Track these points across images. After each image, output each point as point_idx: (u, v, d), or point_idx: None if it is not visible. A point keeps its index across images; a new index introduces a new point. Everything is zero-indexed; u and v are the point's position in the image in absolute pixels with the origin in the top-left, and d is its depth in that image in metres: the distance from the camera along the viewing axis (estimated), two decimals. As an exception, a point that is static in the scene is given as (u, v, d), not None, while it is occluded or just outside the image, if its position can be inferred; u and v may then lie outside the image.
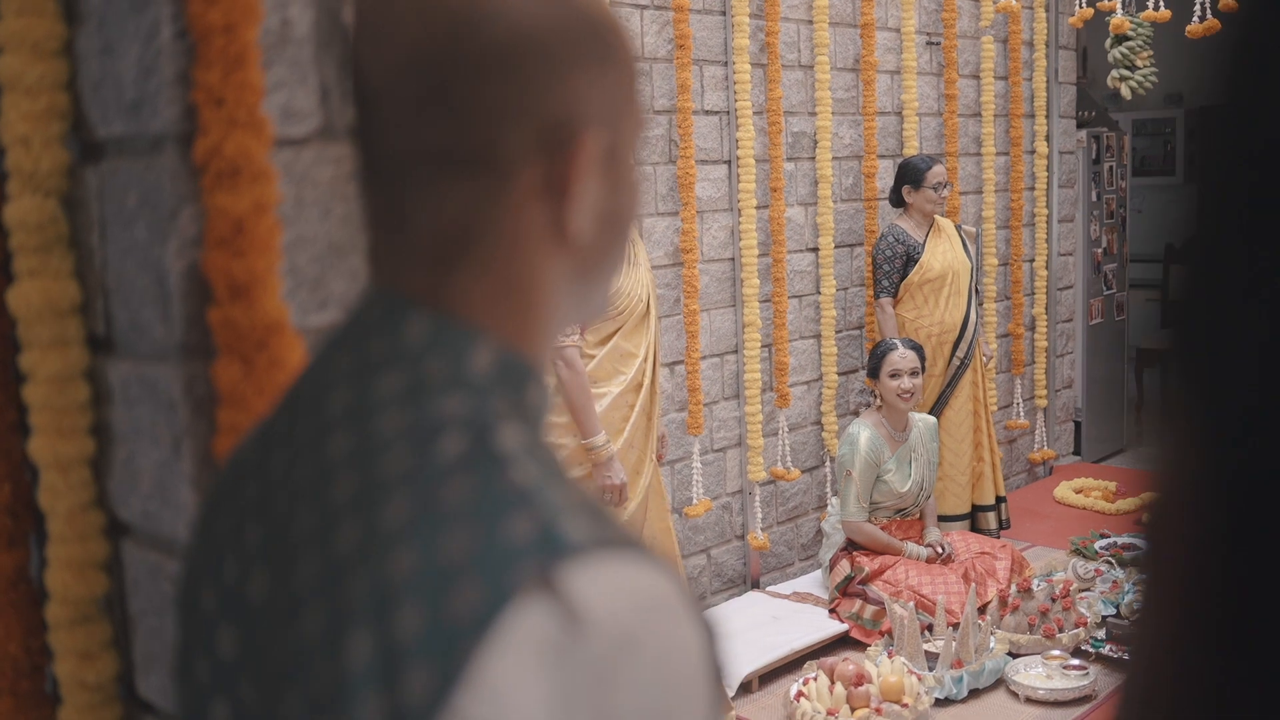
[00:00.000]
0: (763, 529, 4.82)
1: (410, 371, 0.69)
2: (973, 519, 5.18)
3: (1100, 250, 6.81)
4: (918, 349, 4.56)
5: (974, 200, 5.91)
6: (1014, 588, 4.29)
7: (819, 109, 4.94)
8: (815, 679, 3.75)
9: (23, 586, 1.24)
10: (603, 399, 3.46)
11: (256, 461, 0.75)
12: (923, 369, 4.57)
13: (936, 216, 5.05)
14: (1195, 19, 4.90)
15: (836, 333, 5.14)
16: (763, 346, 4.78)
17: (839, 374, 5.18)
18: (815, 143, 5.00)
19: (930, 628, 4.11)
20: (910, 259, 4.96)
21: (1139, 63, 5.89)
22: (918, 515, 4.67)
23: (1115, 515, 5.64)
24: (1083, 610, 4.21)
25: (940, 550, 4.53)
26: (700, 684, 0.62)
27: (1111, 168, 6.90)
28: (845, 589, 4.43)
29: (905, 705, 3.63)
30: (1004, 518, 5.32)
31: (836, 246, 5.13)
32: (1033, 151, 6.23)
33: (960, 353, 5.07)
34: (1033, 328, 6.30)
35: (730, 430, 4.77)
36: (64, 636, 1.17)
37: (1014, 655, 4.01)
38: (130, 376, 1.12)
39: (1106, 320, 6.93)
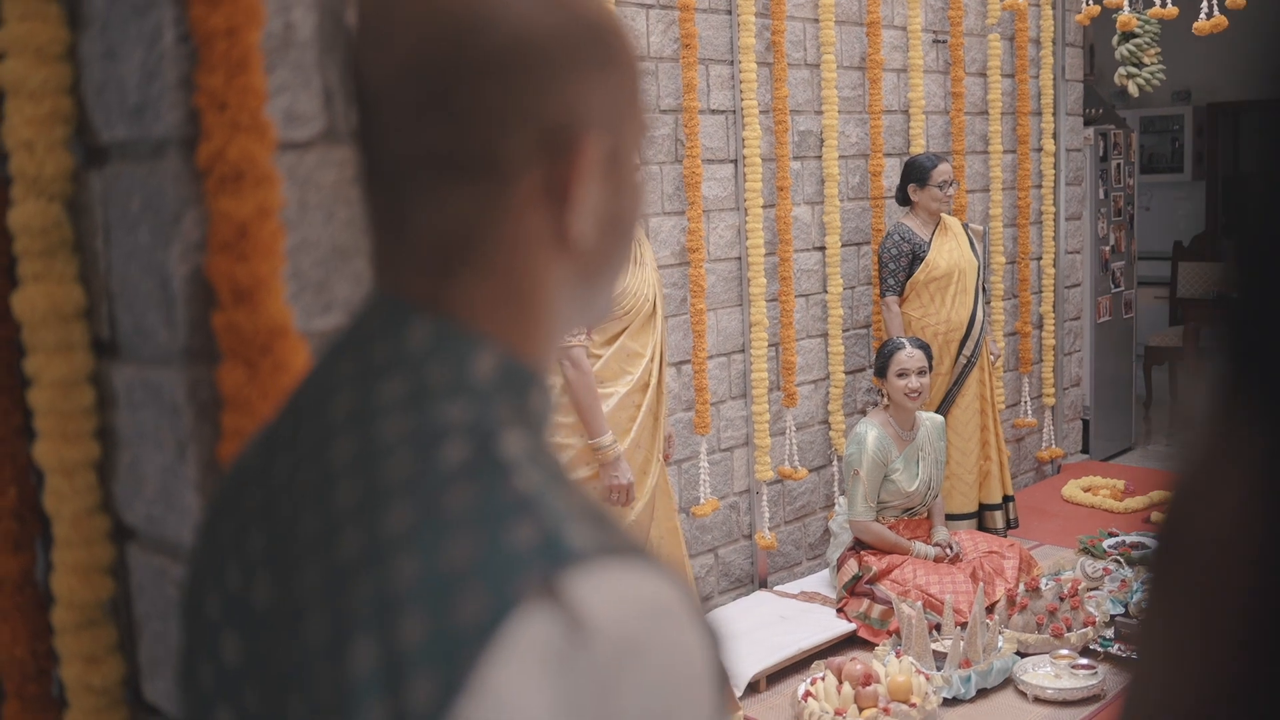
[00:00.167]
0: (770, 528, 4.81)
1: (413, 377, 0.69)
2: (980, 518, 5.17)
3: (1108, 248, 6.80)
4: (925, 348, 4.55)
5: (981, 198, 5.90)
6: (1022, 587, 4.28)
7: (825, 107, 4.93)
8: (823, 679, 3.75)
9: (29, 590, 1.24)
10: (609, 399, 3.46)
11: (260, 467, 0.75)
12: (930, 368, 4.56)
13: (943, 215, 5.04)
14: (1202, 15, 4.88)
15: (843, 331, 5.14)
16: (770, 346, 4.78)
17: (846, 373, 5.17)
18: (821, 141, 4.99)
19: (938, 627, 4.11)
20: (916, 257, 4.95)
21: (1146, 60, 5.87)
22: (925, 514, 4.67)
23: (1124, 514, 5.63)
24: (1091, 609, 4.21)
25: (948, 549, 4.52)
26: (704, 691, 0.62)
27: (1119, 165, 6.88)
28: (853, 588, 4.43)
29: (913, 705, 3.62)
30: (1012, 517, 5.30)
31: (843, 245, 5.12)
32: (1040, 149, 6.21)
33: (967, 351, 5.06)
34: (1040, 326, 6.28)
35: (737, 430, 4.77)
36: (70, 640, 1.18)
37: (1022, 655, 4.00)
38: (135, 381, 1.12)
39: (1114, 318, 6.91)
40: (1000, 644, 3.98)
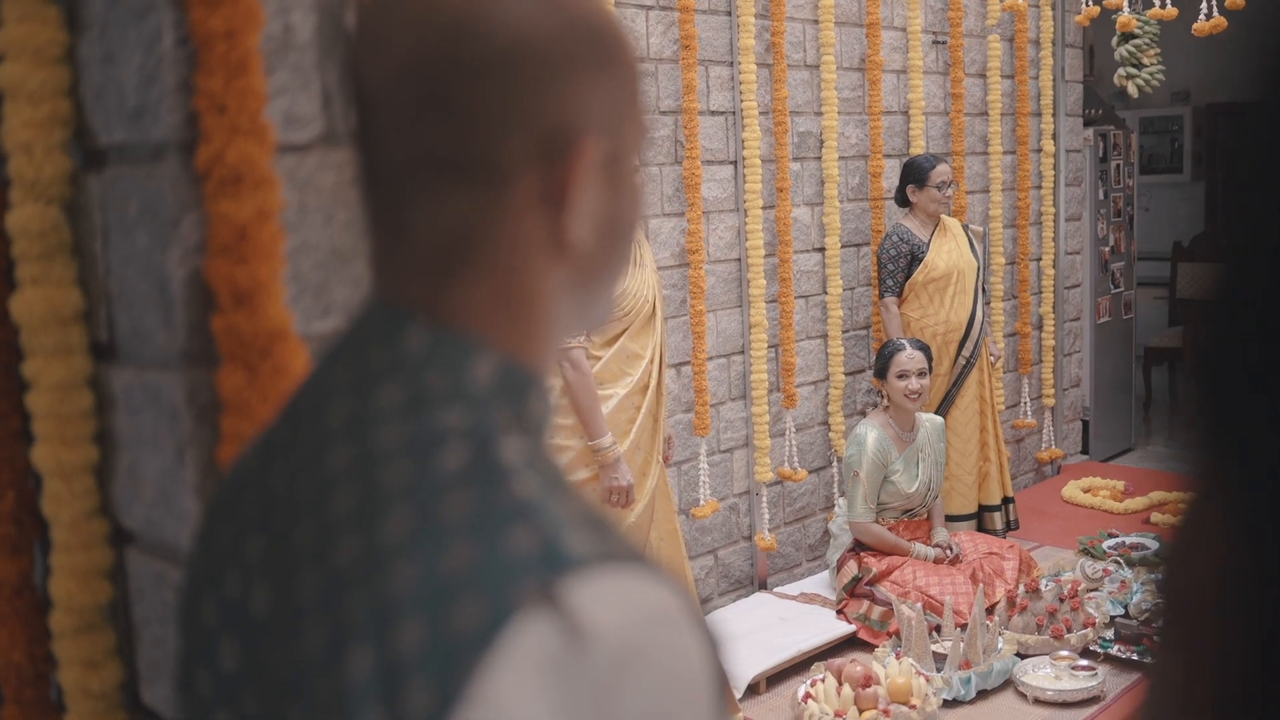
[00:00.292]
0: (770, 530, 4.81)
1: (410, 383, 0.69)
2: (979, 519, 5.17)
3: (1108, 248, 6.80)
4: (925, 349, 4.55)
5: (981, 199, 5.90)
6: (1022, 588, 4.28)
7: (825, 109, 4.93)
8: (823, 680, 3.74)
9: (27, 594, 1.23)
10: (609, 401, 3.45)
11: (257, 473, 0.75)
12: (930, 369, 4.56)
13: (943, 216, 5.03)
14: (1202, 16, 4.88)
15: (843, 333, 5.13)
16: (769, 347, 4.77)
17: (846, 374, 5.17)
18: (821, 142, 4.99)
19: (938, 628, 4.10)
20: (915, 258, 4.95)
21: (1146, 60, 5.87)
22: (925, 515, 4.66)
23: (1123, 515, 5.63)
24: (1091, 610, 4.20)
25: (948, 551, 4.52)
26: (703, 698, 0.62)
27: (1119, 166, 6.88)
28: (853, 590, 4.42)
29: (913, 706, 3.62)
30: (1011, 518, 5.30)
31: (843, 246, 5.12)
32: (1040, 150, 6.21)
33: (966, 352, 5.06)
34: (1040, 326, 6.28)
35: (737, 431, 4.77)
36: (68, 644, 1.17)
37: (1022, 656, 4.00)
38: (133, 384, 1.12)
39: (1114, 319, 6.91)
40: (1000, 645, 3.98)
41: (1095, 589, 4.45)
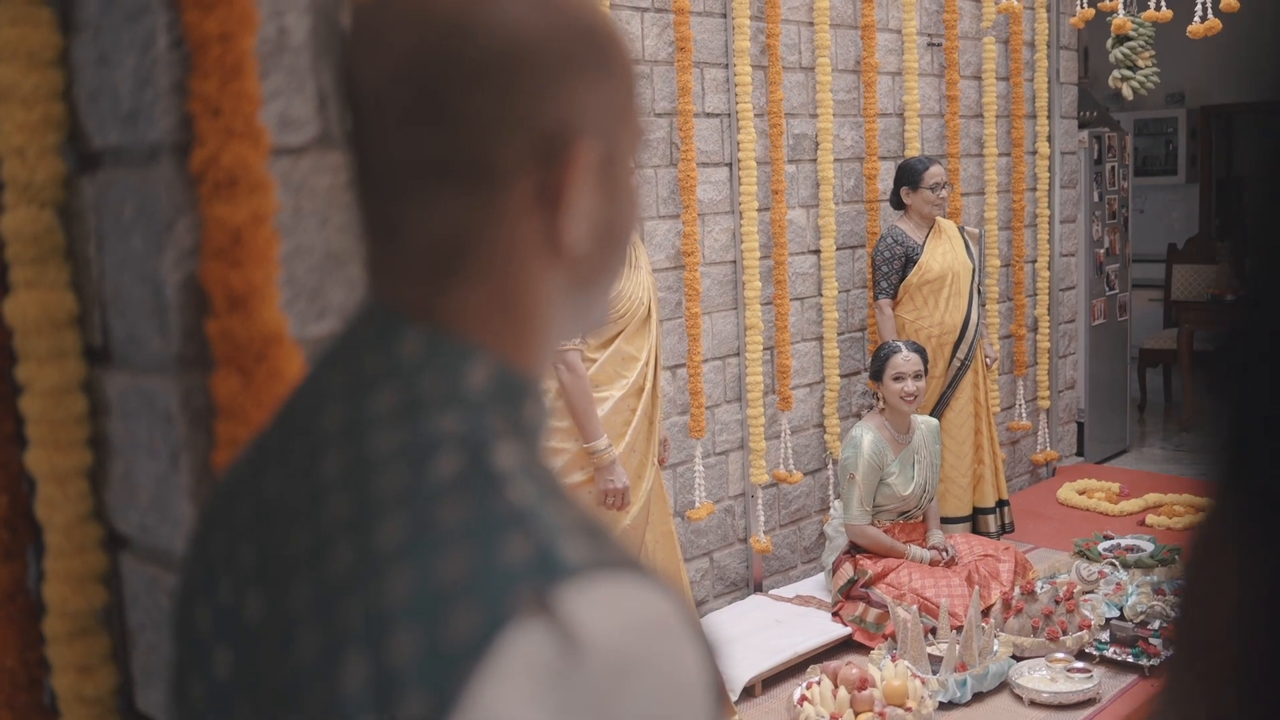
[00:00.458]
0: (765, 532, 4.81)
1: (405, 389, 0.68)
2: (973, 522, 5.17)
3: (1102, 251, 6.80)
4: (921, 351, 4.55)
5: (976, 201, 5.90)
6: (1017, 590, 4.27)
7: (820, 111, 4.93)
8: (818, 683, 3.74)
9: (20, 599, 1.23)
10: (604, 403, 3.45)
11: (251, 479, 0.74)
12: (925, 371, 4.56)
13: (938, 218, 5.04)
14: (1197, 19, 4.89)
15: (839, 335, 5.13)
16: (765, 349, 4.77)
17: (841, 376, 5.17)
18: (817, 145, 4.99)
19: (934, 631, 4.10)
20: (909, 260, 4.95)
21: (1140, 63, 5.89)
22: (920, 518, 4.66)
23: (1119, 516, 5.63)
24: (1086, 613, 4.20)
25: (943, 553, 4.52)
26: (701, 707, 0.61)
27: (1113, 168, 6.89)
28: (848, 592, 4.42)
29: (909, 709, 3.62)
30: (1006, 521, 5.30)
31: (838, 249, 5.12)
32: (1034, 152, 6.22)
33: (961, 354, 5.06)
34: (1035, 329, 6.29)
35: (732, 433, 4.76)
36: (62, 650, 1.17)
37: (1018, 658, 4.00)
38: (128, 388, 1.11)
39: (1109, 321, 6.92)
40: (996, 647, 3.98)
41: (1091, 591, 4.45)
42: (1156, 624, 4.13)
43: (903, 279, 4.96)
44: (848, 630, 4.32)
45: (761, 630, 4.31)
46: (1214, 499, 0.41)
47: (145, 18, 1.02)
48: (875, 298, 5.03)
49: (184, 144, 1.02)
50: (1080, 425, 6.80)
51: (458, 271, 0.71)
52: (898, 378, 4.46)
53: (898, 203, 5.04)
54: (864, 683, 3.67)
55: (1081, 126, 6.69)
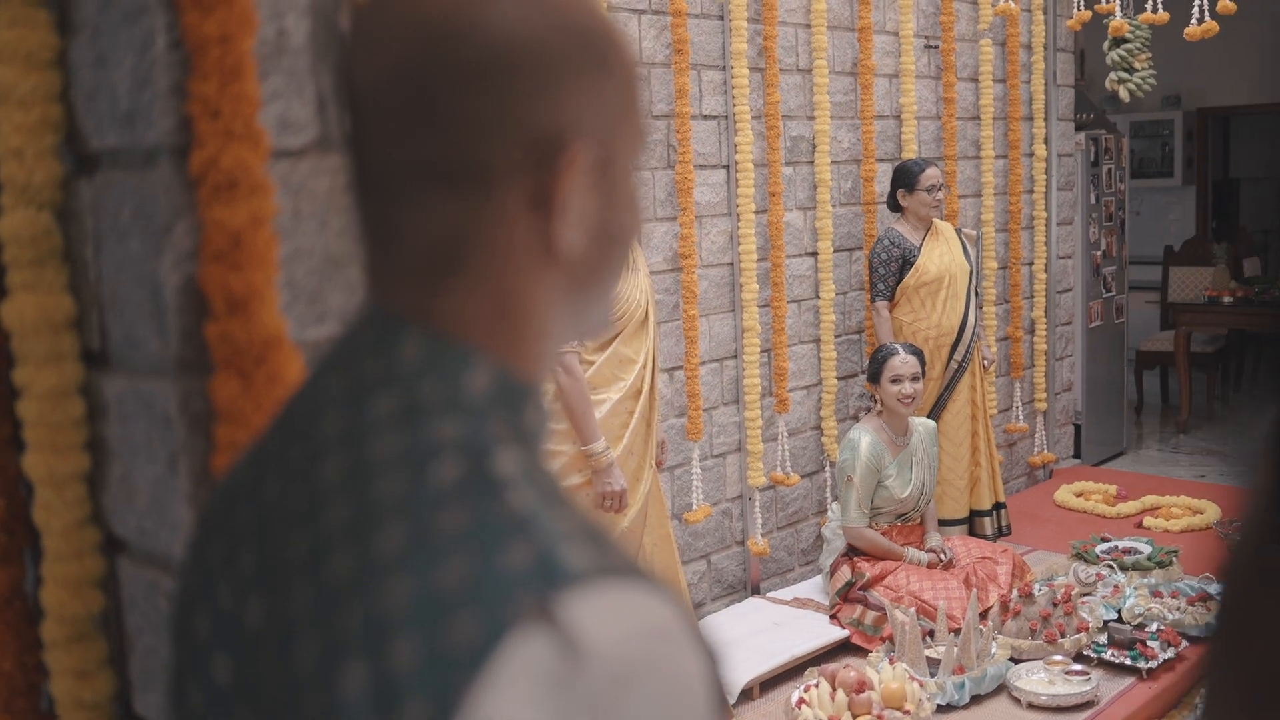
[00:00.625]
0: (763, 534, 4.81)
1: (405, 394, 0.68)
2: (969, 524, 5.17)
3: (1099, 253, 6.81)
4: (918, 354, 4.55)
5: (973, 203, 5.91)
6: (1015, 593, 4.27)
7: (817, 113, 4.93)
8: (816, 686, 3.74)
9: (18, 604, 1.22)
10: (602, 405, 3.44)
11: (249, 485, 0.74)
12: (923, 373, 4.56)
13: (935, 220, 5.04)
14: (1193, 21, 4.89)
15: (836, 337, 5.13)
16: (762, 351, 4.77)
17: (838, 378, 5.16)
18: (814, 147, 4.99)
19: (931, 633, 4.10)
20: (906, 262, 4.96)
21: (1137, 65, 5.89)
22: (918, 520, 4.66)
23: (1116, 519, 5.63)
24: (1084, 615, 4.20)
25: (941, 555, 4.52)
26: (702, 713, 0.61)
27: (1110, 170, 6.90)
28: (846, 595, 4.42)
29: (907, 712, 3.61)
30: (1003, 524, 5.30)
31: (835, 251, 5.12)
32: (1031, 154, 6.22)
33: (958, 356, 5.06)
34: (1032, 331, 6.29)
35: (730, 436, 4.76)
36: (60, 654, 1.16)
37: (1016, 661, 4.00)
38: (126, 392, 1.11)
39: (1106, 323, 6.92)
40: (994, 650, 3.97)
41: (1088, 593, 4.45)
42: (1154, 626, 4.13)
43: (900, 281, 4.96)
44: (845, 633, 4.32)
45: (759, 633, 4.31)
46: (1260, 511, 0.40)
47: (144, 19, 1.02)
48: (872, 300, 5.03)
49: (183, 146, 1.01)
50: (1077, 427, 6.80)
51: (455, 274, 0.71)
52: (895, 380, 4.46)
53: (894, 205, 5.04)
54: (862, 685, 3.66)
55: (1078, 129, 6.70)
